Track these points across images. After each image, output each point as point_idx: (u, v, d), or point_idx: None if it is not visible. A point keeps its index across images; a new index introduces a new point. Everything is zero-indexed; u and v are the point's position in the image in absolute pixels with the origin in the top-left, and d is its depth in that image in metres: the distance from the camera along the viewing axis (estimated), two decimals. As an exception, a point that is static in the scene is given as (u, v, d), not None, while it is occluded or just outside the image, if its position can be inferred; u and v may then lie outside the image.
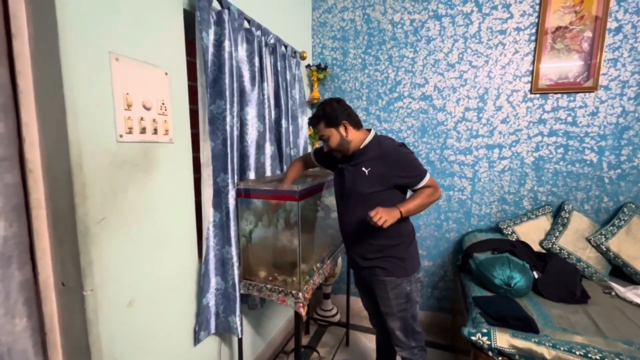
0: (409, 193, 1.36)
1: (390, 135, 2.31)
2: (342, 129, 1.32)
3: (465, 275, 1.84)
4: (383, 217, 1.15)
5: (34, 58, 0.87)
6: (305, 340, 2.21)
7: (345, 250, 1.52)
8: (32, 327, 0.92)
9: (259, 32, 1.61)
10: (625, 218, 1.82)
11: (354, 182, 1.33)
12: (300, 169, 1.61)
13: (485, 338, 1.28)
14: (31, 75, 0.88)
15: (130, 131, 1.02)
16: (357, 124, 1.35)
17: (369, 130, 1.38)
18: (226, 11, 1.32)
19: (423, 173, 1.30)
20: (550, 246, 1.88)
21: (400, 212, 1.21)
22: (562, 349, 1.18)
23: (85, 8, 0.88)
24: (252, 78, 1.54)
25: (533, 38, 1.98)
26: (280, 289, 1.37)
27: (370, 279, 1.40)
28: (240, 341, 1.53)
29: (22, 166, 0.89)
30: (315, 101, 2.37)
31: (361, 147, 1.33)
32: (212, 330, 1.44)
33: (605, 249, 1.80)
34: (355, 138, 1.33)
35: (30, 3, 0.85)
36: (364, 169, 1.31)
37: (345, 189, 1.37)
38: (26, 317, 0.91)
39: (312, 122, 1.38)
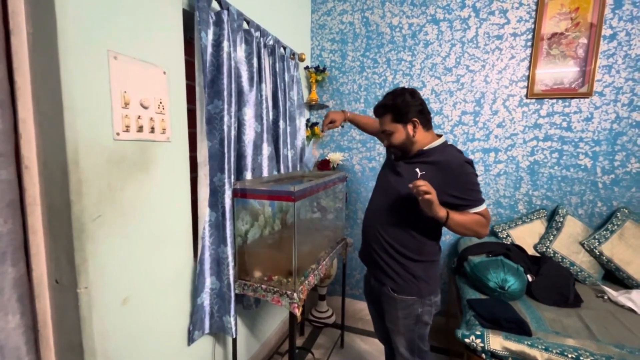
0: None
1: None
2: (410, 127, 1.19)
3: (460, 278, 1.85)
4: (428, 189, 1.02)
5: (32, 55, 0.87)
6: (299, 342, 2.20)
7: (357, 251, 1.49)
8: (25, 324, 0.92)
9: (258, 33, 1.61)
10: (619, 223, 1.84)
11: (401, 180, 1.21)
12: (372, 125, 1.65)
13: (478, 340, 1.29)
14: (29, 72, 0.88)
15: (127, 129, 1.02)
16: (427, 124, 1.22)
17: (440, 136, 1.25)
18: (225, 12, 1.33)
19: (480, 200, 1.15)
20: (544, 250, 1.90)
21: (448, 214, 1.08)
22: (554, 351, 1.19)
23: (84, 6, 0.88)
24: (251, 79, 1.54)
25: (529, 44, 2.01)
26: (275, 290, 1.37)
27: (379, 291, 1.31)
28: (234, 341, 1.53)
29: (18, 162, 0.89)
30: (314, 103, 2.38)
31: (424, 148, 1.21)
32: (207, 330, 1.43)
33: (598, 253, 1.82)
34: (422, 140, 1.21)
35: (30, 0, 0.85)
36: (417, 170, 1.19)
37: (389, 184, 1.27)
38: (19, 314, 0.90)
39: (378, 111, 1.25)
